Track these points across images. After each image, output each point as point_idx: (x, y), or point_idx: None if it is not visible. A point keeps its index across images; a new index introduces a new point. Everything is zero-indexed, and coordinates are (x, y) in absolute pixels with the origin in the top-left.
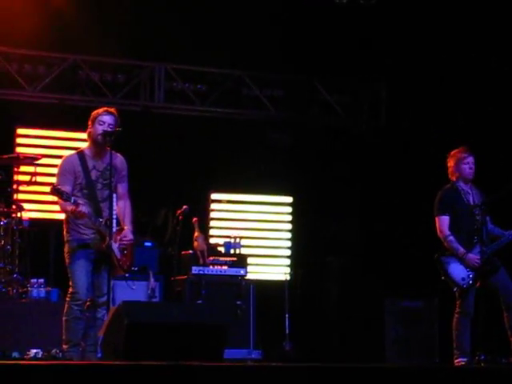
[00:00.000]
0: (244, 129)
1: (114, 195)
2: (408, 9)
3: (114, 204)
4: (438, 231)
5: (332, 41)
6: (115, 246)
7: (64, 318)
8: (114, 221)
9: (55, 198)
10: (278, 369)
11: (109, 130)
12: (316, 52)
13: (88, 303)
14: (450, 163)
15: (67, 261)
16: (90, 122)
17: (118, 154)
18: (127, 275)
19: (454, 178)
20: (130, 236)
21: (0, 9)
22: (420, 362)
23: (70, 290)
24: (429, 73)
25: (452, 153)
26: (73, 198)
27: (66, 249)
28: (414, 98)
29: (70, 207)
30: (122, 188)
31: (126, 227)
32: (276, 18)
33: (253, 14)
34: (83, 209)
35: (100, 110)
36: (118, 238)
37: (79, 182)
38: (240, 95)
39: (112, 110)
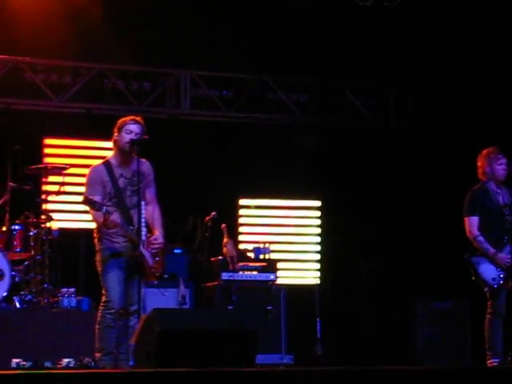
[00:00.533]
0: (271, 134)
1: (143, 202)
2: (433, 10)
3: (143, 211)
4: (468, 232)
5: (357, 43)
6: (147, 253)
7: (97, 327)
8: (144, 228)
9: (87, 208)
10: (310, 373)
11: (136, 138)
12: (341, 55)
13: (120, 312)
14: (481, 163)
15: (99, 269)
16: (115, 130)
17: (144, 160)
18: (156, 282)
19: (484, 178)
20: (161, 239)
21: (26, 20)
22: (452, 363)
23: (104, 298)
24: (455, 74)
25: (483, 153)
26: (104, 207)
27: (97, 258)
28: (440, 99)
29: (101, 218)
30: (149, 193)
31: (156, 231)
32: (301, 21)
33: (277, 18)
34: (115, 217)
35: (126, 119)
36: (149, 243)
37: (108, 192)
38: (266, 100)
39: (138, 118)
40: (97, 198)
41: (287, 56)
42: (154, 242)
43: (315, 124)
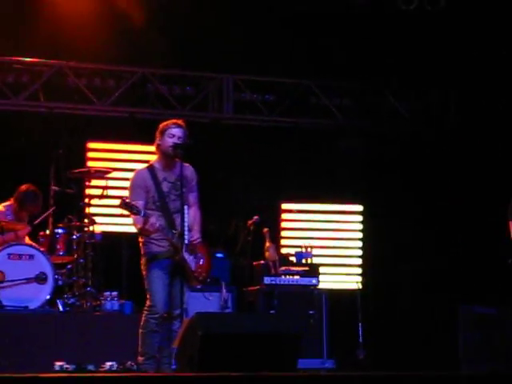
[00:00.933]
0: (313, 138)
1: (186, 207)
2: (476, 13)
3: (186, 215)
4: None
5: (399, 46)
6: (190, 257)
7: (140, 331)
8: (187, 232)
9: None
10: (352, 378)
11: (179, 142)
12: (383, 58)
13: (164, 316)
14: None
15: (144, 273)
16: (158, 135)
17: (187, 164)
18: (199, 287)
19: None
20: (197, 235)
21: (69, 24)
22: (495, 369)
23: (148, 303)
24: (497, 76)
25: None
26: (142, 211)
27: (142, 261)
28: (483, 102)
29: (141, 223)
30: (192, 197)
31: (193, 231)
32: (343, 26)
33: (319, 23)
34: (153, 220)
35: (169, 123)
36: (191, 246)
37: (151, 195)
38: (308, 104)
39: (180, 122)
40: (139, 204)
41: (330, 60)
42: (190, 239)
43: (357, 128)
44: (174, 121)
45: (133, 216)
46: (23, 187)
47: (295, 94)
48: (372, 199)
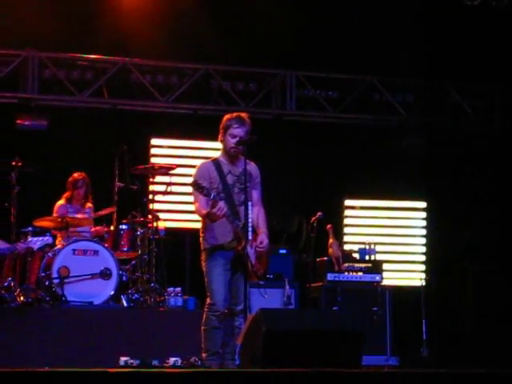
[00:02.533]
0: (377, 134)
1: (250, 202)
2: None
3: (250, 210)
4: None
5: (463, 44)
6: (251, 251)
7: (202, 328)
8: (250, 227)
9: (192, 208)
10: (416, 375)
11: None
12: (447, 55)
13: (226, 312)
14: None
15: (204, 270)
16: (221, 129)
17: (252, 162)
18: (262, 283)
19: None
20: (266, 241)
21: (133, 21)
22: None
23: (208, 300)
24: None
25: None
26: (212, 194)
27: (202, 257)
28: None
29: (206, 208)
30: (255, 194)
31: (261, 233)
32: (406, 22)
33: (382, 19)
34: (222, 205)
35: (232, 119)
36: (254, 243)
37: (215, 187)
38: (372, 101)
39: (243, 116)
40: (202, 196)
41: (393, 56)
42: (260, 245)
43: (421, 125)
44: (238, 115)
45: (199, 201)
46: (74, 175)
47: (358, 90)
48: (436, 196)
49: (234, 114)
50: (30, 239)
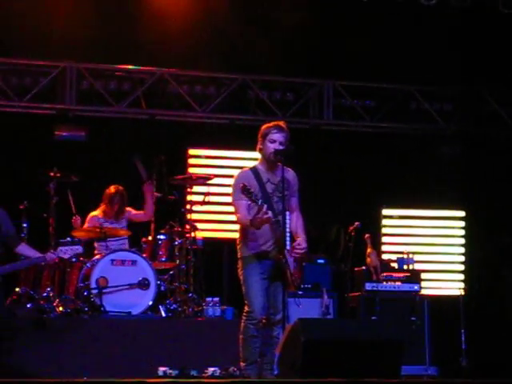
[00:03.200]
0: (414, 143)
1: (287, 212)
2: None
3: (288, 219)
4: None
5: (502, 51)
6: (290, 259)
7: (240, 337)
8: (288, 236)
9: (231, 218)
10: None
11: (280, 148)
12: (485, 63)
13: (264, 321)
14: None
15: (242, 278)
16: (260, 138)
17: (290, 169)
18: (300, 292)
19: None
20: (304, 244)
21: (170, 32)
22: None
23: (246, 309)
24: None
25: None
26: (260, 200)
27: (239, 265)
28: None
29: (249, 217)
30: (293, 202)
31: (299, 237)
32: (442, 31)
33: (419, 28)
34: (266, 208)
35: (270, 126)
36: (293, 252)
37: (255, 194)
38: (409, 109)
39: (282, 124)
40: (242, 204)
41: (431, 65)
42: (298, 247)
43: (459, 133)
44: (276, 123)
45: (241, 210)
46: (111, 188)
47: (396, 99)
48: (474, 205)
49: (272, 123)
50: (59, 249)
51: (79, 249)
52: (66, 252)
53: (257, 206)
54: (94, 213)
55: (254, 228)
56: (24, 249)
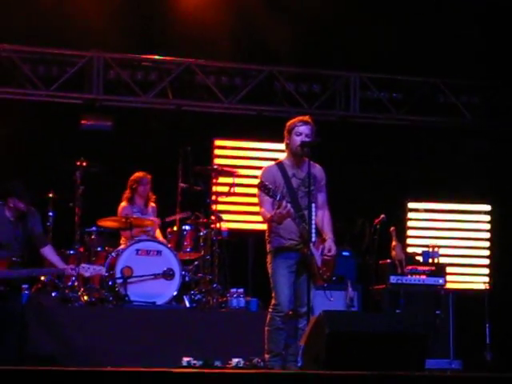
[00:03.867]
0: (441, 136)
1: (313, 205)
2: None
3: (314, 213)
4: None
5: None
6: (317, 253)
7: (266, 329)
8: (314, 230)
9: (256, 209)
10: (480, 379)
11: (307, 140)
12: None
13: (290, 313)
14: None
15: (270, 271)
16: (286, 133)
17: (317, 164)
18: (326, 285)
19: None
20: (334, 248)
21: (197, 22)
22: None
23: (273, 301)
24: None
25: None
26: (278, 195)
27: (268, 259)
28: None
29: (270, 213)
30: (321, 197)
31: (328, 238)
32: (471, 23)
33: (446, 20)
34: (288, 206)
35: (295, 120)
36: (321, 248)
37: (280, 191)
38: (436, 102)
39: (307, 118)
40: (267, 200)
41: (458, 58)
42: (328, 253)
43: (486, 127)
44: (301, 118)
45: (264, 205)
46: (137, 174)
47: (423, 92)
48: (500, 199)
49: (297, 117)
50: (82, 266)
51: (102, 270)
52: (88, 270)
53: (277, 202)
54: (123, 204)
55: (276, 223)
56: (49, 252)
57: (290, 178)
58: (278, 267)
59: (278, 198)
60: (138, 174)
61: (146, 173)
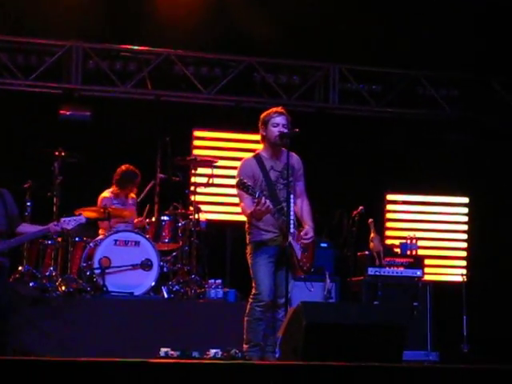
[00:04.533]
0: (419, 129)
1: (292, 196)
2: None
3: (292, 204)
4: None
5: (507, 38)
6: (296, 245)
7: (246, 319)
8: (292, 221)
9: (235, 200)
10: (457, 371)
11: (284, 130)
12: (492, 50)
13: (269, 304)
14: None
15: (250, 262)
16: (261, 125)
17: (294, 154)
18: (302, 276)
19: None
20: (311, 233)
21: (175, 12)
22: None
23: (253, 291)
24: None
25: None
26: (257, 192)
27: (248, 250)
28: None
29: (251, 207)
30: (299, 187)
31: (306, 225)
32: (451, 16)
33: (426, 12)
34: (267, 202)
35: (270, 112)
36: (300, 237)
37: (259, 184)
38: (415, 95)
39: (281, 109)
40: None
41: (437, 51)
42: (305, 236)
43: (464, 120)
44: (275, 109)
45: (244, 200)
46: (122, 167)
47: (402, 84)
48: (478, 191)
49: (271, 109)
50: (62, 220)
51: (82, 219)
52: (69, 223)
53: (256, 199)
54: (104, 194)
55: (255, 219)
56: (25, 227)
57: (268, 171)
58: (258, 257)
59: (256, 196)
60: (120, 170)
61: (128, 166)
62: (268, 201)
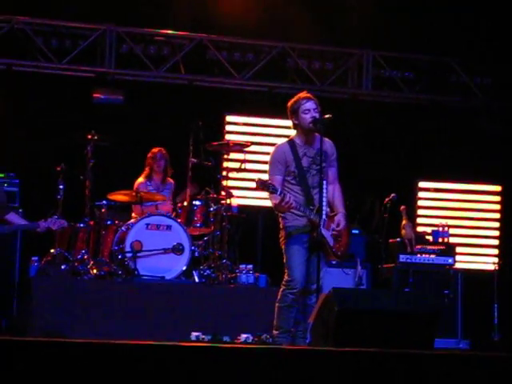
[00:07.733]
0: (453, 116)
1: (325, 181)
2: None
3: (325, 191)
4: None
5: None
6: (327, 233)
7: (277, 305)
8: (325, 208)
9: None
10: (487, 359)
11: (316, 115)
12: None
13: (301, 290)
14: None
15: (284, 247)
16: (291, 114)
17: (327, 139)
18: (334, 262)
19: None
20: (344, 222)
21: None
22: None
23: (286, 277)
24: None
25: None
26: (279, 189)
27: (281, 235)
28: None
29: (275, 200)
30: (332, 172)
31: (338, 212)
32: (487, 4)
33: (463, 2)
34: (288, 199)
35: (298, 99)
36: (331, 225)
37: (292, 170)
38: (448, 82)
39: (307, 94)
40: (277, 179)
41: (472, 38)
42: (336, 228)
43: (498, 108)
44: (302, 95)
45: (269, 194)
46: (153, 150)
47: (435, 71)
48: (511, 180)
49: (297, 96)
50: (49, 219)
51: (64, 223)
52: (55, 223)
53: (279, 196)
54: (139, 179)
55: (279, 212)
56: (13, 217)
57: (301, 158)
58: (291, 244)
59: (278, 193)
60: (152, 150)
61: (160, 148)
62: (290, 198)
